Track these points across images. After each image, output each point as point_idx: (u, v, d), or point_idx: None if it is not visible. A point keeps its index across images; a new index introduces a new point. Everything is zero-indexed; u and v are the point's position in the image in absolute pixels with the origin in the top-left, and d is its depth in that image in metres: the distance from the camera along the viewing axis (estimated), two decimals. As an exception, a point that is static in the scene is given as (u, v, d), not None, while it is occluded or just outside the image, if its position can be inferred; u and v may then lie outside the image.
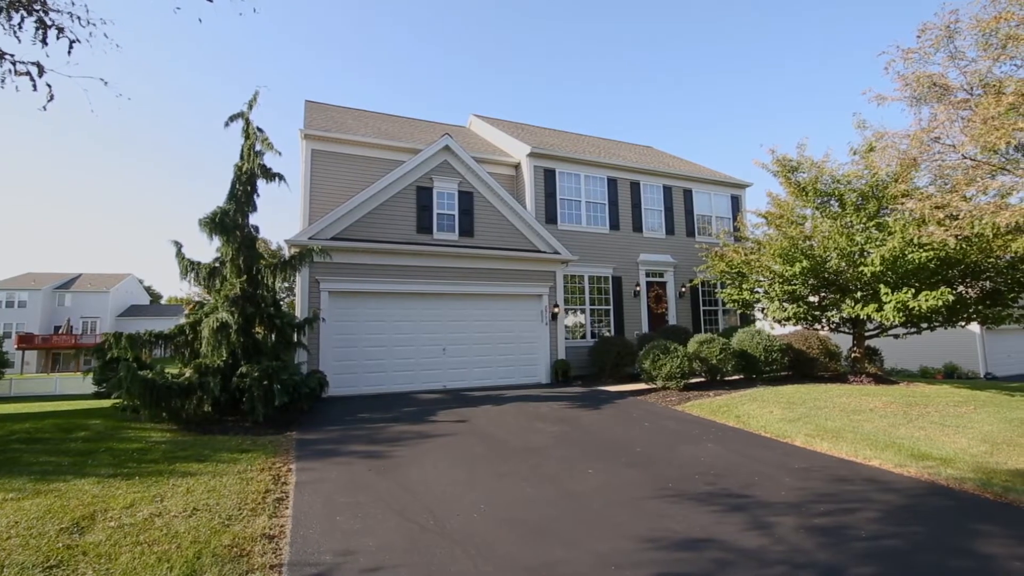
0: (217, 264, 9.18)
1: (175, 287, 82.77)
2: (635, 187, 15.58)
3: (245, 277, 8.76)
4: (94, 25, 6.30)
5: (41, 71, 6.07)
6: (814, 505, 4.67)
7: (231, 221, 8.84)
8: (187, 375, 7.96)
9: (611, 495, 4.96)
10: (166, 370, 8.00)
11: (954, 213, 8.56)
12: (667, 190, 16.12)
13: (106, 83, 6.62)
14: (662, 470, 5.76)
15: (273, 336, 9.07)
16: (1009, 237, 9.25)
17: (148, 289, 68.30)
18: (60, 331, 46.60)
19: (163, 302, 68.89)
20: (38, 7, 5.96)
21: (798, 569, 3.50)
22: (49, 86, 6.18)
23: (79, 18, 6.18)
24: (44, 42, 6.04)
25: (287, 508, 4.55)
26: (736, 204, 17.20)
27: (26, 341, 43.61)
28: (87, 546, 3.60)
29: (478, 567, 3.52)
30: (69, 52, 6.15)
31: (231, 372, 8.02)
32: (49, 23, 6.05)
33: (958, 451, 6.24)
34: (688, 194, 16.44)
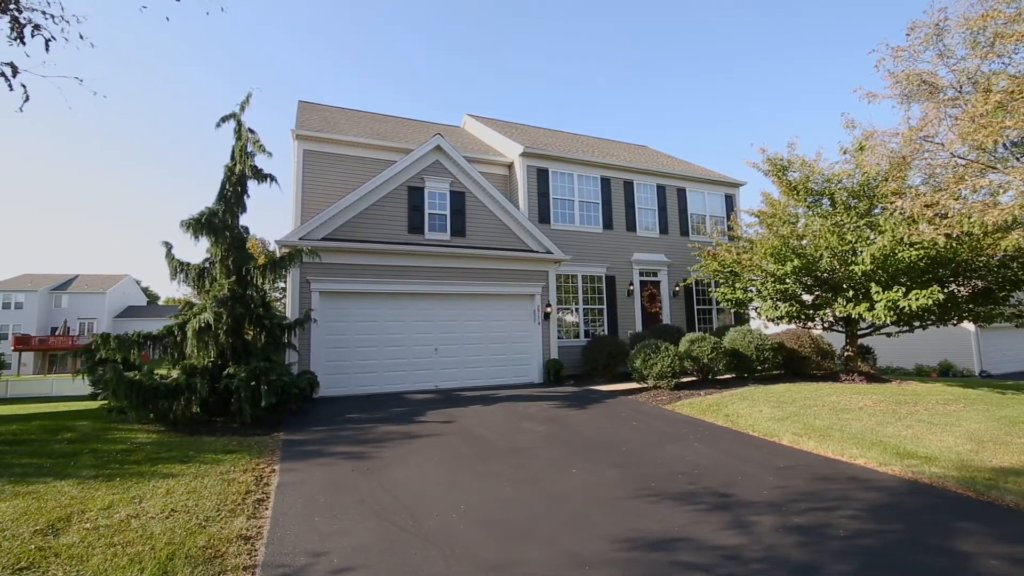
0: (207, 265, 9.18)
1: (173, 288, 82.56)
2: (629, 186, 15.57)
3: (234, 278, 8.74)
4: (67, 23, 6.27)
5: (15, 71, 6.04)
6: (795, 504, 4.66)
7: (220, 222, 8.83)
8: (175, 376, 7.95)
9: (592, 495, 4.95)
10: (155, 371, 7.99)
11: (944, 212, 8.56)
12: (661, 189, 16.11)
13: (81, 81, 6.59)
14: (646, 469, 5.74)
15: (263, 337, 9.05)
16: (999, 235, 9.24)
17: (146, 290, 68.25)
18: (57, 332, 46.59)
19: (161, 303, 68.80)
20: (11, 5, 5.93)
21: (774, 567, 3.49)
22: (24, 86, 6.16)
23: (53, 16, 6.15)
24: (20, 40, 6.00)
25: (267, 509, 4.53)
26: (730, 203, 17.19)
27: (23, 342, 43.58)
28: (60, 548, 3.59)
29: (451, 567, 3.51)
30: (47, 50, 6.12)
31: (219, 373, 8.00)
32: (24, 21, 6.02)
33: (943, 449, 6.23)
34: (682, 193, 16.43)
